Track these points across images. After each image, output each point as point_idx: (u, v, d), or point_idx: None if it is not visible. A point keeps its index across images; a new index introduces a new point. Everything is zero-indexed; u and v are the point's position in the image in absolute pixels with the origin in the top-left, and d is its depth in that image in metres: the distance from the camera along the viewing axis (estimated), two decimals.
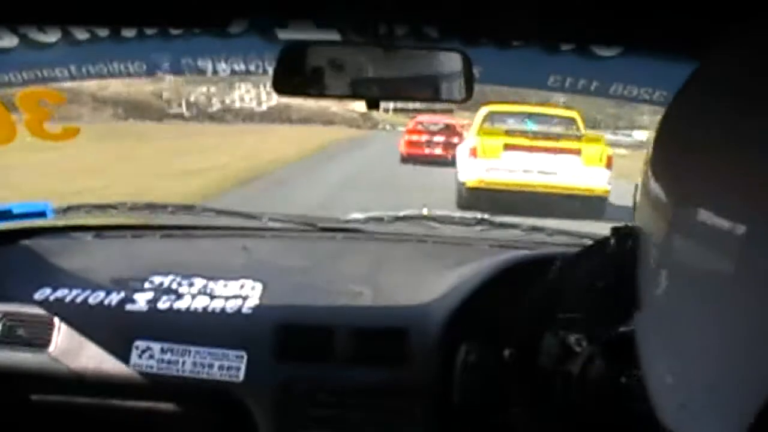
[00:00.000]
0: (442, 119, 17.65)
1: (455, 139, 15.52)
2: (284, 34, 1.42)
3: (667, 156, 0.74)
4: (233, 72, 1.65)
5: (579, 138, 10.24)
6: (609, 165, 9.73)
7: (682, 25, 1.20)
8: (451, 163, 12.29)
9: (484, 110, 11.12)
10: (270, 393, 1.67)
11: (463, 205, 9.04)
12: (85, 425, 1.77)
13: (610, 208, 9.33)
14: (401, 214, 2.29)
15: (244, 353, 1.67)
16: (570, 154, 9.75)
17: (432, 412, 1.62)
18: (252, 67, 1.60)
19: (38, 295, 1.75)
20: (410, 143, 16.71)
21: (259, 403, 1.66)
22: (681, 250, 0.67)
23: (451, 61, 1.32)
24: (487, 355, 1.32)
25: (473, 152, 9.92)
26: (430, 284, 1.80)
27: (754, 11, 0.97)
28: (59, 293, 1.76)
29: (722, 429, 0.62)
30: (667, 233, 0.69)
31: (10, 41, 1.52)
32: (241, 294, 1.77)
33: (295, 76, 1.31)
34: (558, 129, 10.84)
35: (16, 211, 2.01)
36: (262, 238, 2.20)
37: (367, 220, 2.27)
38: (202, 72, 1.66)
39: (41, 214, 2.06)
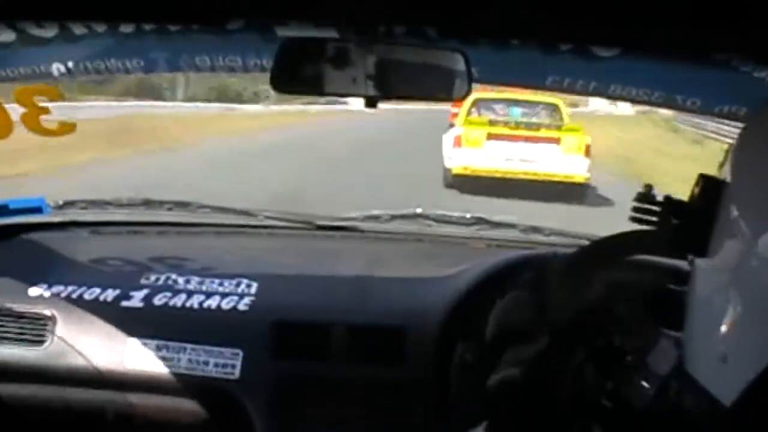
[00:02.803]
0: None
1: None
2: (283, 32, 1.42)
3: (746, 182, 0.76)
4: (231, 69, 1.64)
5: (559, 128, 10.70)
6: (587, 153, 10.13)
7: (680, 26, 1.20)
8: None
9: (470, 96, 11.46)
10: (266, 390, 1.67)
11: (449, 186, 10.08)
12: (80, 421, 1.77)
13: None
14: (398, 212, 2.29)
15: (239, 350, 1.67)
16: (550, 143, 10.19)
17: (428, 410, 1.63)
18: (250, 65, 1.59)
19: (34, 291, 1.75)
20: None
21: (254, 401, 1.66)
22: (756, 268, 0.69)
23: (449, 60, 1.32)
24: (483, 354, 1.32)
25: (458, 141, 10.32)
26: (427, 283, 1.80)
27: (752, 13, 0.97)
28: (55, 289, 1.75)
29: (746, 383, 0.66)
30: (744, 254, 0.71)
31: (7, 36, 1.51)
32: (238, 291, 1.76)
33: (293, 73, 1.31)
34: (542, 115, 11.34)
35: (12, 206, 2.00)
36: (259, 235, 2.20)
37: (364, 218, 2.27)
38: (199, 69, 1.65)
39: (37, 210, 2.05)
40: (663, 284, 0.98)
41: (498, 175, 9.99)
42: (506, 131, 10.25)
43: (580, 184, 10.03)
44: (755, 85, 1.42)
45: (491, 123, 10.49)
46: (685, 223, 0.90)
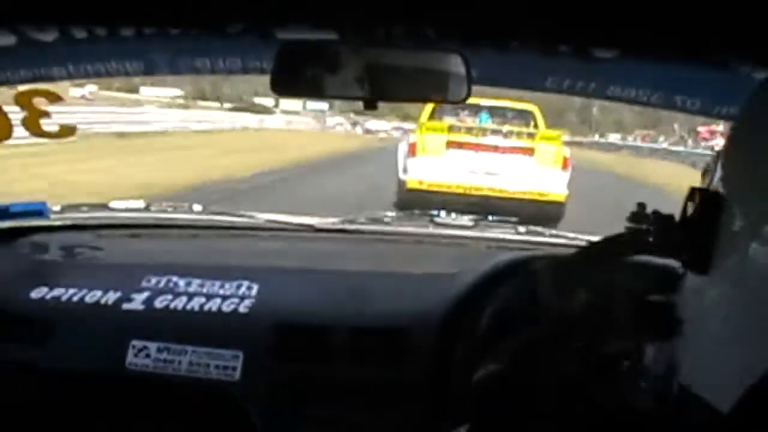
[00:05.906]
0: None
1: None
2: (283, 34, 1.42)
3: (739, 188, 0.77)
4: (231, 71, 1.65)
5: (532, 135, 9.06)
6: (565, 166, 8.64)
7: (679, 27, 1.20)
8: None
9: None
10: (267, 393, 1.67)
11: (402, 206, 7.96)
12: (81, 424, 1.77)
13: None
14: (399, 214, 2.29)
15: (240, 353, 1.67)
16: (522, 153, 8.64)
17: (429, 411, 1.62)
18: (250, 67, 1.60)
19: (35, 294, 1.75)
20: None
21: (255, 403, 1.66)
22: (753, 254, 0.69)
23: (449, 62, 1.32)
24: (484, 355, 1.32)
25: (413, 149, 8.76)
26: (428, 284, 1.80)
27: (751, 14, 0.98)
28: (56, 292, 1.75)
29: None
30: (741, 263, 0.71)
31: (8, 40, 1.52)
32: (239, 294, 1.76)
33: (293, 76, 1.31)
34: (515, 123, 9.75)
35: (13, 210, 2.01)
36: (260, 238, 2.21)
37: (365, 220, 2.27)
38: (199, 71, 1.66)
39: (38, 213, 2.05)
40: (660, 288, 0.98)
41: (460, 190, 8.36)
42: (470, 138, 8.61)
43: (556, 204, 8.39)
44: (755, 86, 1.42)
45: (452, 129, 8.83)
46: (681, 238, 0.89)
